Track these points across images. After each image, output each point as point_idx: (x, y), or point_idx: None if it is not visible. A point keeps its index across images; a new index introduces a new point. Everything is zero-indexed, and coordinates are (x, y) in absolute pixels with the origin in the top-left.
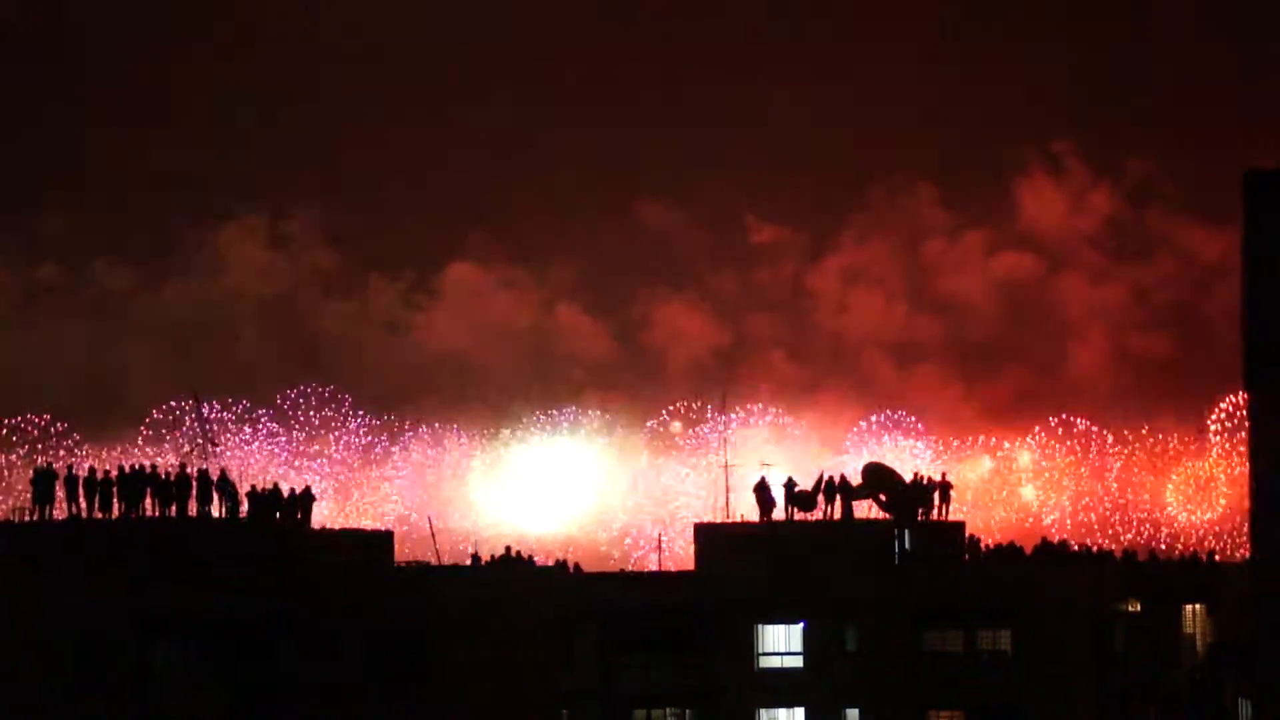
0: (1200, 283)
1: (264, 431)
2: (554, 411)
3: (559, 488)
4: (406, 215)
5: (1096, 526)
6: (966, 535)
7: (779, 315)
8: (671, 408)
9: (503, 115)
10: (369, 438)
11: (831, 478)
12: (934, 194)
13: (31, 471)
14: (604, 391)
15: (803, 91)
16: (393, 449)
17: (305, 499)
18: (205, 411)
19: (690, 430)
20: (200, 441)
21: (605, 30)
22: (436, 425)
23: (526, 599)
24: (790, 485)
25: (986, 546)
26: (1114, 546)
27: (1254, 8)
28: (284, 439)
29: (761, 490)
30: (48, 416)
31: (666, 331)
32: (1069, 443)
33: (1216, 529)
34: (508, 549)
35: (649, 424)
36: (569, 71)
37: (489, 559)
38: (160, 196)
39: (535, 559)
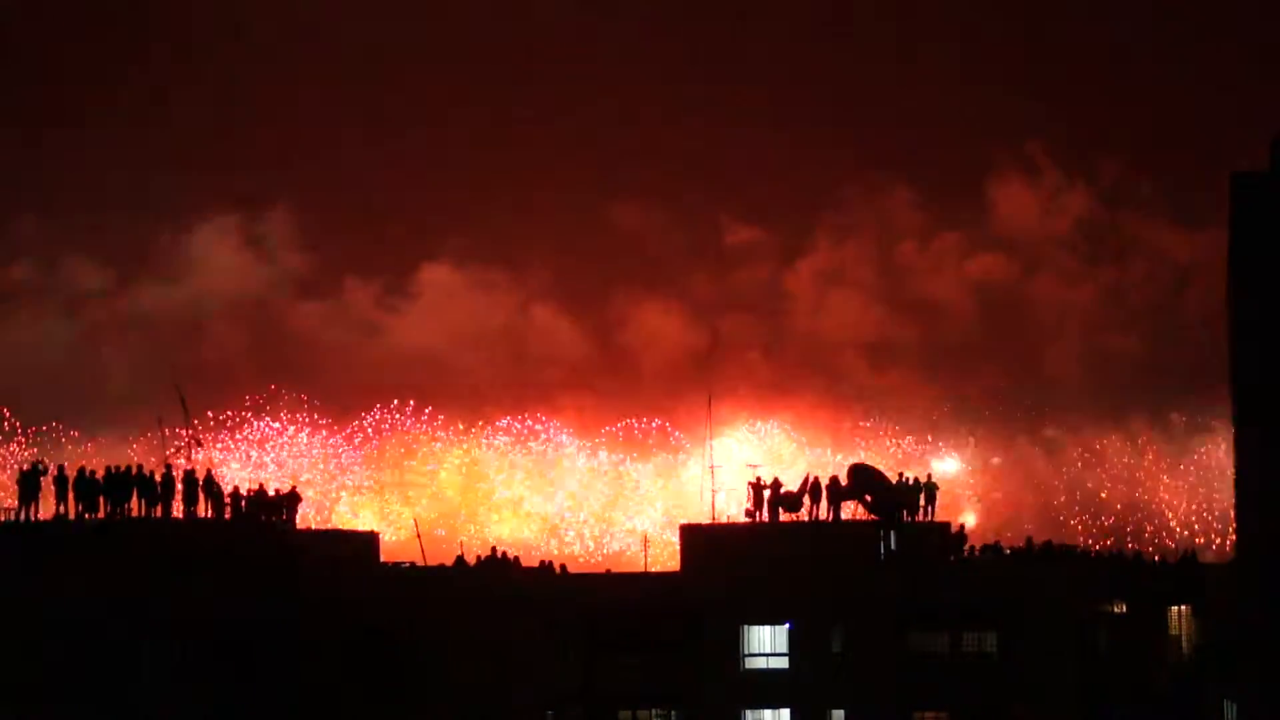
0: (1174, 283)
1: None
2: (527, 414)
3: (538, 489)
4: (381, 216)
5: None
6: (952, 536)
7: (755, 316)
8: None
9: (477, 116)
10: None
11: (817, 479)
12: (908, 195)
13: (18, 470)
14: (580, 392)
15: (776, 92)
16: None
17: (291, 500)
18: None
19: (672, 432)
20: (186, 441)
21: (579, 30)
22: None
23: (511, 600)
24: (776, 486)
25: (971, 548)
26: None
27: (1226, 8)
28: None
29: (755, 490)
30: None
31: (642, 332)
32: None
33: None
34: (493, 549)
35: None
36: (543, 71)
37: (475, 560)
38: (134, 196)
39: (520, 559)
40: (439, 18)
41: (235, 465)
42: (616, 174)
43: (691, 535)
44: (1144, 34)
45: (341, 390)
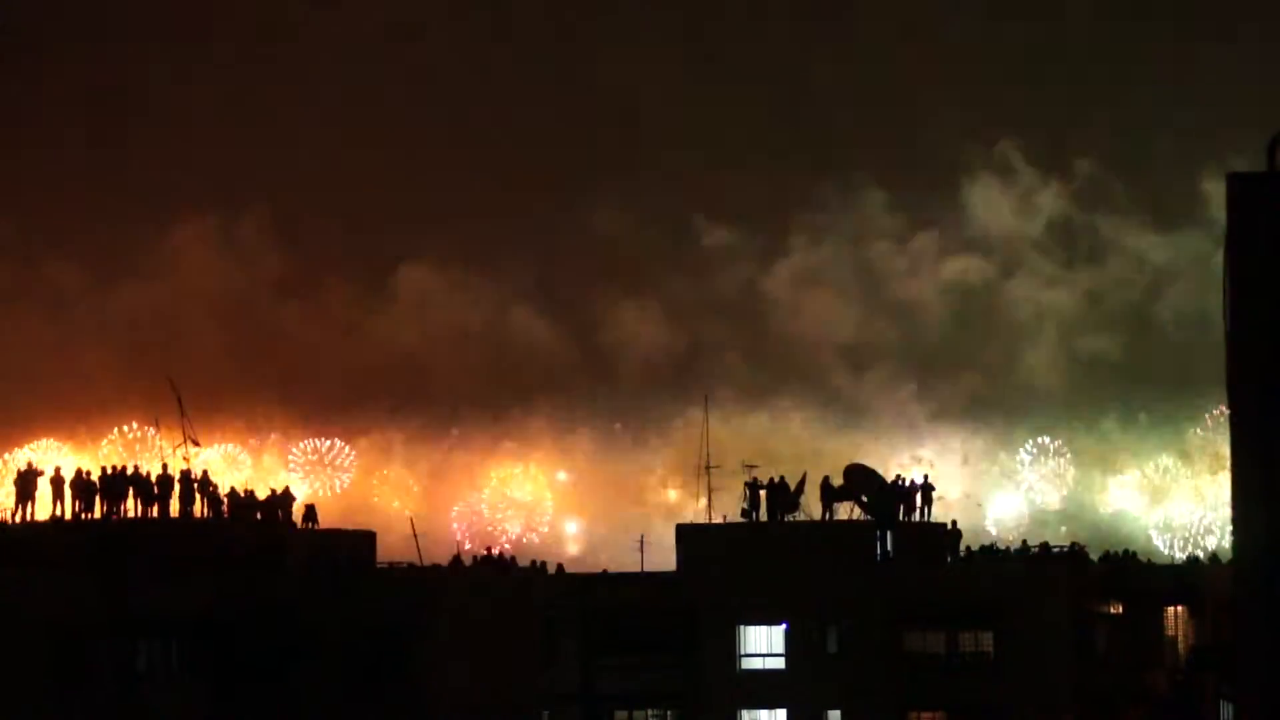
0: (1150, 286)
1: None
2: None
3: (526, 490)
4: (360, 217)
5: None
6: (948, 536)
7: (733, 318)
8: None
9: (456, 117)
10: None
11: (822, 478)
12: (882, 197)
13: (15, 471)
14: (558, 394)
15: (750, 94)
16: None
17: (285, 499)
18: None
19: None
20: (183, 440)
21: (557, 33)
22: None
23: (508, 600)
24: (772, 486)
25: (968, 548)
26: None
27: (1201, 7)
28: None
29: (751, 490)
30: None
31: (621, 334)
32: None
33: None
34: (489, 550)
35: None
36: (521, 74)
37: (472, 560)
38: (112, 198)
39: (516, 559)
40: (418, 19)
41: (223, 465)
42: (594, 177)
43: (688, 535)
44: (1116, 33)
45: (321, 391)
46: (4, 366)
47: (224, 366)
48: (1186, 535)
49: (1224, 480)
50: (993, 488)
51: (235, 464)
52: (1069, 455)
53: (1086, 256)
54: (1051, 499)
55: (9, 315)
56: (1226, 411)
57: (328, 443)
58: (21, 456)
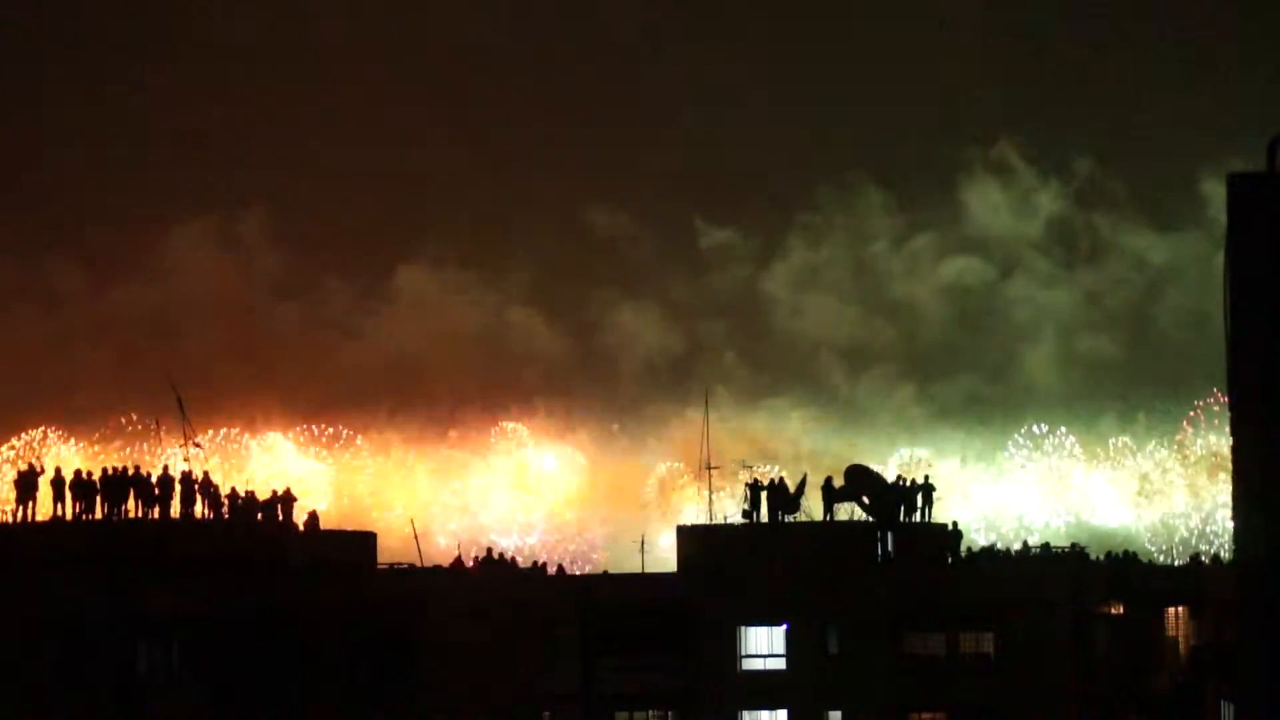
0: (1149, 286)
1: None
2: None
3: (524, 490)
4: (358, 219)
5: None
6: (949, 537)
7: (731, 319)
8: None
9: (454, 118)
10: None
11: (826, 479)
12: (880, 197)
13: (15, 472)
14: (557, 395)
15: (748, 95)
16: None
17: (287, 501)
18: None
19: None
20: (185, 442)
21: (555, 35)
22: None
23: (508, 600)
24: (773, 487)
25: (968, 549)
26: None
27: (1202, 9)
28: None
29: (752, 491)
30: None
31: (621, 335)
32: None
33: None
34: (489, 550)
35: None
36: (519, 75)
37: (472, 560)
38: (112, 197)
39: (517, 560)
40: (416, 21)
41: (223, 464)
42: (592, 178)
43: (688, 536)
44: (1117, 32)
45: (319, 392)
46: (3, 366)
47: (223, 367)
48: (1184, 536)
49: (1223, 480)
50: (991, 487)
51: (240, 447)
52: (1070, 446)
53: (1086, 256)
54: (1049, 500)
55: (9, 314)
56: (1221, 401)
57: (330, 430)
58: (21, 443)
